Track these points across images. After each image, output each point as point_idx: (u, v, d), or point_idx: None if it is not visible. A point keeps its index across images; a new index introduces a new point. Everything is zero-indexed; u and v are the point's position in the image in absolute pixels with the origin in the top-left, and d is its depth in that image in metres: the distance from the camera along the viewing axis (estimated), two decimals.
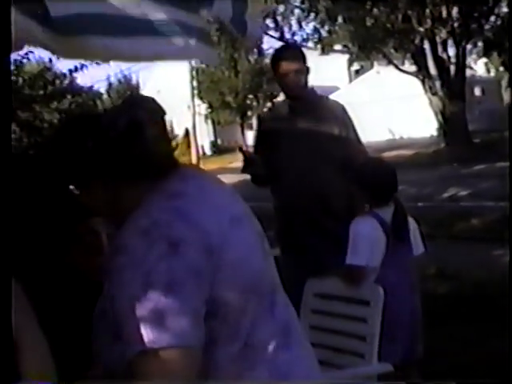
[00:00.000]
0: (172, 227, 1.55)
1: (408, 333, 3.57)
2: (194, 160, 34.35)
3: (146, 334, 1.47)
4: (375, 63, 29.24)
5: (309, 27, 22.87)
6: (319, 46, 22.28)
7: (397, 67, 24.42)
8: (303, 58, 4.28)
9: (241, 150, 4.33)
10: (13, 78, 10.94)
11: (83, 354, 1.76)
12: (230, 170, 22.21)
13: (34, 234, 1.90)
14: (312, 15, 22.17)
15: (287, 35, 22.93)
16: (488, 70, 34.36)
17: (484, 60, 31.18)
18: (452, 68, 22.49)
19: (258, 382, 1.64)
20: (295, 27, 23.04)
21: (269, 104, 34.65)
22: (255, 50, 37.56)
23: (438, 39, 22.07)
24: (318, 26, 22.25)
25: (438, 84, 22.29)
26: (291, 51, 4.47)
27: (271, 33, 22.92)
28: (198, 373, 1.52)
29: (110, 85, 45.11)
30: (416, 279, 3.72)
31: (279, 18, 22.73)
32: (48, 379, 1.50)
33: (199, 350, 1.52)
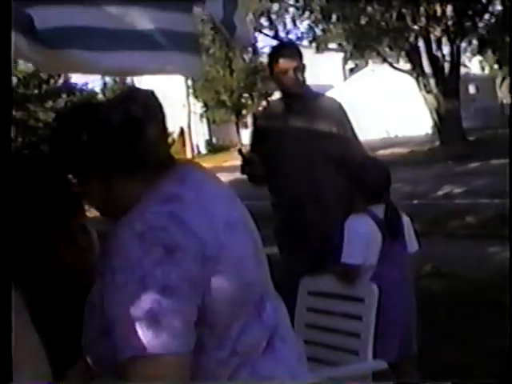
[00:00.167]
0: (168, 233, 1.53)
1: (403, 330, 3.58)
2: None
3: (138, 339, 1.47)
4: (370, 61, 29.17)
5: (303, 26, 22.91)
6: (314, 45, 22.29)
7: (391, 65, 24.43)
8: (300, 56, 4.28)
9: (240, 151, 4.32)
10: None
11: (73, 353, 1.76)
12: (225, 169, 22.18)
13: (26, 231, 1.90)
14: (306, 13, 22.19)
15: (282, 34, 22.97)
16: (482, 68, 34.37)
17: (478, 58, 31.18)
18: (446, 66, 22.50)
19: (258, 382, 1.65)
20: (290, 26, 23.08)
21: (264, 103, 34.64)
22: (250, 48, 37.55)
23: (432, 37, 22.07)
24: (312, 24, 22.26)
25: (432, 82, 22.30)
26: (289, 49, 4.46)
27: (266, 31, 22.95)
28: (187, 378, 1.52)
29: (104, 84, 45.06)
30: (411, 276, 3.73)
31: (273, 17, 22.74)
32: (43, 379, 1.50)
33: (189, 357, 1.52)
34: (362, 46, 22.27)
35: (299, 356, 1.82)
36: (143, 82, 41.40)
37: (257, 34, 25.93)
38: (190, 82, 38.15)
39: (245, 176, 4.36)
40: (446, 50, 22.76)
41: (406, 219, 3.74)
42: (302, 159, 4.18)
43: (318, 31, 22.41)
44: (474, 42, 25.10)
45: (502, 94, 34.17)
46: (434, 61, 22.25)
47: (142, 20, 2.37)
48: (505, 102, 33.02)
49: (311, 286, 3.58)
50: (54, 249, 1.97)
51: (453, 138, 22.11)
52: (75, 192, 1.79)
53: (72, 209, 1.99)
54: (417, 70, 22.71)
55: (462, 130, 23.37)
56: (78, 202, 1.99)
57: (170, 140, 1.79)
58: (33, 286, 1.92)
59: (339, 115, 4.32)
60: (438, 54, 22.49)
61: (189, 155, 34.98)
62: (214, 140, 43.49)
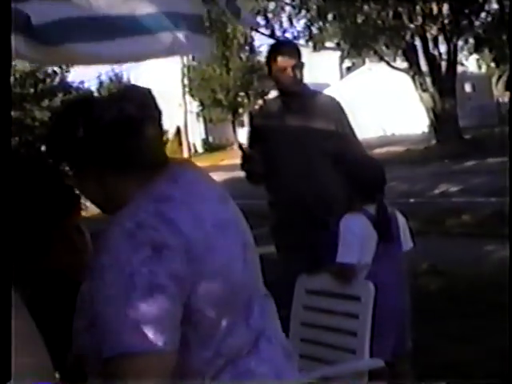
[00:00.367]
0: (157, 232, 1.55)
1: (398, 327, 3.59)
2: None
3: (125, 336, 1.49)
4: (367, 60, 29.27)
5: (300, 24, 22.89)
6: (310, 43, 22.28)
7: (388, 64, 24.46)
8: (299, 54, 4.28)
9: (240, 147, 4.31)
10: None
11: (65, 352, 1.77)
12: (222, 168, 22.17)
13: (23, 232, 1.90)
14: (303, 12, 22.18)
15: (278, 32, 22.94)
16: (479, 67, 34.43)
17: (475, 56, 31.23)
18: (443, 64, 22.53)
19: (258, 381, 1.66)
20: (286, 24, 23.05)
21: (260, 101, 34.63)
22: (246, 47, 37.56)
23: (428, 36, 22.10)
24: (308, 23, 22.25)
25: (429, 80, 22.33)
26: (287, 47, 4.46)
27: (262, 30, 22.93)
28: (172, 377, 1.54)
29: (100, 83, 44.97)
30: (406, 274, 3.73)
31: (270, 15, 22.71)
32: (47, 379, 1.49)
33: (174, 355, 1.54)
34: (358, 45, 22.28)
35: (286, 355, 1.82)
36: (140, 80, 41.33)
37: (253, 32, 25.95)
38: (186, 81, 38.15)
39: (241, 175, 4.36)
40: (442, 48, 22.80)
41: (400, 217, 3.74)
42: (299, 158, 4.18)
43: (315, 30, 22.40)
44: (471, 40, 25.14)
45: (498, 92, 34.19)
46: (431, 59, 22.27)
47: (144, 5, 2.37)
48: (501, 100, 33.05)
49: (308, 285, 3.58)
50: (50, 249, 1.97)
51: (449, 136, 22.15)
52: (70, 185, 1.80)
53: (68, 209, 1.99)
54: (413, 69, 22.74)
55: (459, 129, 23.40)
56: (73, 203, 1.99)
57: (164, 139, 1.80)
58: (29, 285, 1.92)
59: (337, 113, 4.32)
60: (435, 52, 22.53)
61: (185, 154, 34.95)
62: (210, 139, 43.49)
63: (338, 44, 23.46)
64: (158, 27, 2.37)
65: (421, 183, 15.12)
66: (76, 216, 2.03)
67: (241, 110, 38.81)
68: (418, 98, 23.77)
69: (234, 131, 39.35)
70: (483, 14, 23.23)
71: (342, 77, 40.31)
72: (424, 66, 22.37)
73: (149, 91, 1.74)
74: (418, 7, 20.84)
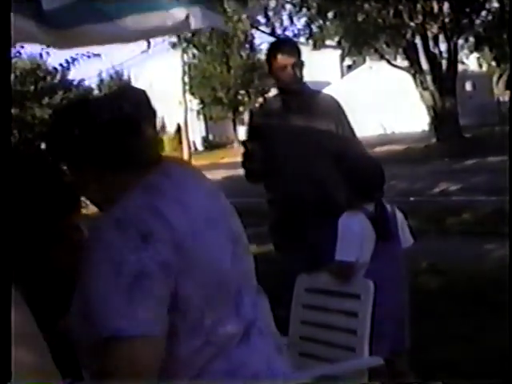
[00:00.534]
0: (145, 222, 1.62)
1: (397, 325, 3.59)
2: (185, 155, 34.33)
3: (113, 321, 1.55)
4: (367, 58, 29.24)
5: (300, 22, 22.87)
6: (311, 42, 22.28)
7: (389, 62, 24.45)
8: (299, 52, 4.28)
9: (244, 143, 4.31)
10: None
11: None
12: (222, 166, 22.19)
13: (24, 231, 1.90)
14: (304, 10, 22.17)
15: (278, 30, 22.93)
16: (480, 65, 34.40)
17: (476, 55, 31.21)
18: (443, 63, 22.53)
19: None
20: (287, 22, 23.05)
21: (260, 99, 34.62)
22: (247, 45, 37.54)
23: (429, 34, 22.10)
24: (309, 21, 22.24)
25: (429, 79, 22.33)
26: (287, 45, 4.46)
27: (263, 28, 22.93)
28: (161, 364, 1.60)
29: (101, 80, 44.95)
30: (405, 272, 3.73)
31: (270, 14, 22.71)
32: (48, 378, 1.49)
33: (162, 340, 1.60)
34: (359, 43, 22.29)
35: (278, 348, 1.87)
36: (141, 78, 41.38)
37: (254, 30, 25.94)
38: (186, 79, 38.14)
39: (242, 173, 4.35)
40: (443, 47, 22.81)
41: (399, 214, 3.74)
42: (298, 156, 4.17)
43: (315, 28, 22.39)
44: (471, 39, 25.15)
45: (498, 91, 34.17)
46: (431, 58, 22.28)
47: None
48: (501, 99, 33.04)
49: (307, 283, 3.58)
50: (50, 247, 1.97)
51: (449, 135, 22.15)
52: (69, 183, 1.83)
53: (68, 208, 2.00)
54: (414, 67, 22.74)
55: (459, 127, 23.41)
56: (73, 202, 2.00)
57: (165, 139, 1.85)
58: (30, 283, 1.92)
59: (337, 112, 4.32)
60: (435, 50, 22.53)
61: (185, 152, 34.96)
62: (210, 137, 43.49)
63: (338, 42, 23.47)
64: (171, 4, 2.38)
65: (421, 182, 15.12)
66: (76, 215, 2.04)
67: (241, 108, 38.81)
68: (418, 97, 23.78)
69: (235, 129, 39.36)
70: (484, 13, 23.25)
71: (342, 75, 40.32)
72: (425, 65, 22.37)
73: (144, 92, 1.78)
74: (418, 5, 20.85)
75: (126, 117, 1.70)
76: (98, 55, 10.50)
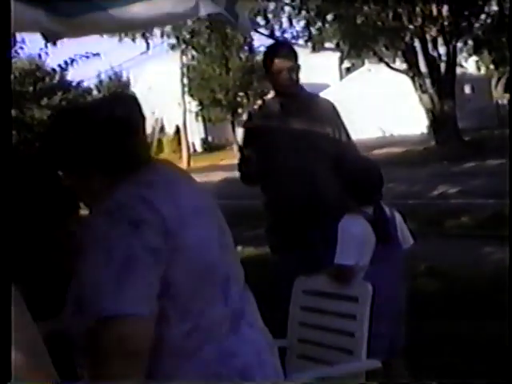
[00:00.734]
0: (134, 209, 1.70)
1: (395, 326, 3.59)
2: (184, 157, 34.33)
3: (103, 302, 1.63)
4: (366, 61, 29.23)
5: (299, 25, 22.87)
6: (310, 44, 22.28)
7: (388, 65, 24.45)
8: (295, 56, 4.29)
9: (241, 148, 4.34)
10: None
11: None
12: (221, 168, 22.19)
13: (26, 232, 1.91)
14: (303, 13, 22.16)
15: (278, 33, 22.92)
16: (479, 68, 34.40)
17: (475, 58, 31.21)
18: (442, 66, 22.52)
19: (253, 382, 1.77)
20: (286, 25, 23.03)
21: (259, 101, 34.61)
22: (246, 47, 37.54)
23: (428, 37, 22.10)
24: (308, 23, 22.23)
25: (428, 82, 22.32)
26: (284, 49, 4.47)
27: (262, 30, 22.90)
28: (152, 347, 1.65)
29: (100, 81, 44.89)
30: (405, 275, 3.73)
31: (270, 16, 22.70)
32: (46, 377, 1.49)
33: (152, 321, 1.65)
34: (358, 46, 22.28)
35: (270, 348, 1.93)
36: (139, 80, 41.34)
37: (253, 33, 25.93)
38: (185, 81, 38.14)
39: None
40: (442, 50, 22.79)
41: (397, 216, 3.74)
42: (295, 159, 4.18)
43: (314, 30, 22.38)
44: (470, 42, 25.13)
45: (497, 94, 34.19)
46: (430, 61, 22.26)
47: None
48: (500, 102, 33.06)
49: (305, 285, 3.58)
50: (49, 248, 1.98)
51: (448, 137, 22.14)
52: (66, 186, 1.87)
53: (70, 209, 2.01)
54: (413, 70, 22.73)
55: (458, 130, 23.39)
56: (74, 203, 2.01)
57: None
58: (32, 282, 1.93)
59: (333, 116, 4.33)
60: (434, 54, 22.52)
61: (184, 153, 34.94)
62: (209, 138, 43.45)
63: (337, 45, 23.44)
64: None
65: (420, 184, 15.13)
66: (74, 216, 2.06)
67: (240, 110, 38.74)
68: (417, 100, 23.76)
69: (234, 131, 39.28)
70: (483, 16, 23.23)
71: (341, 78, 40.31)
72: (423, 68, 22.37)
73: (134, 97, 1.88)
74: (417, 8, 20.84)
75: (119, 119, 1.77)
76: (98, 54, 10.44)
